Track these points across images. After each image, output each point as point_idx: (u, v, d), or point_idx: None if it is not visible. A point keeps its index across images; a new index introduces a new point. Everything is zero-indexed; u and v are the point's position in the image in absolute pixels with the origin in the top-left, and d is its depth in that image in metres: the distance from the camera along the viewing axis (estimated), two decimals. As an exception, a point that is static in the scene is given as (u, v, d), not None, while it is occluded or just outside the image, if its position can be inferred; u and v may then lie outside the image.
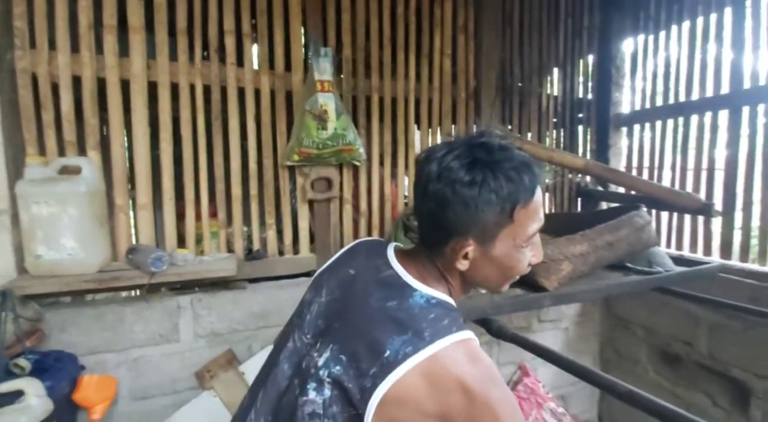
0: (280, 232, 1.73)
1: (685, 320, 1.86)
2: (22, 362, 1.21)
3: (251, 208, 1.66)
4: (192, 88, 1.54)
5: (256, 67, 1.66)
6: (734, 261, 1.72)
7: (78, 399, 1.31)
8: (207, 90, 1.56)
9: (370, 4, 1.79)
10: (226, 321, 1.58)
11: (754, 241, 1.68)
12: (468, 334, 0.61)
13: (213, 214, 1.62)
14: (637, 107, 2.25)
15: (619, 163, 2.33)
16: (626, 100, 2.33)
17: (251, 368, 1.56)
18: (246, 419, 0.67)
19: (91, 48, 1.40)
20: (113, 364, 1.44)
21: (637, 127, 2.24)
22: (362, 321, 0.62)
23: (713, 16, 1.85)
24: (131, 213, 1.57)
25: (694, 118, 1.93)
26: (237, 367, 1.56)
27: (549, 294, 1.15)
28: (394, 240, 1.67)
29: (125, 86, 1.46)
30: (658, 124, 2.10)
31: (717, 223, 1.80)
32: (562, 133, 2.32)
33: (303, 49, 1.68)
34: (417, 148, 1.99)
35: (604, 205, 2.21)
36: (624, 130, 2.32)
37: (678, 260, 1.65)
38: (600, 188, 2.25)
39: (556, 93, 2.30)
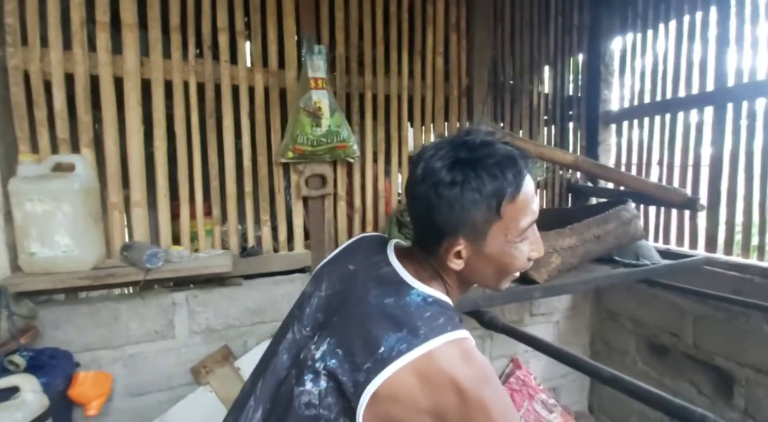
0: (274, 229, 1.74)
1: (671, 312, 1.91)
2: (17, 359, 1.21)
3: (246, 205, 1.67)
4: (186, 85, 1.54)
5: (249, 64, 1.67)
6: (719, 255, 1.77)
7: (74, 395, 1.31)
8: (201, 87, 1.57)
9: (363, 2, 1.80)
10: (222, 317, 1.59)
11: (739, 237, 1.73)
12: (463, 334, 0.61)
13: (207, 213, 1.63)
14: (626, 104, 2.30)
15: (608, 159, 2.37)
16: (615, 97, 2.37)
17: (247, 363, 1.57)
18: (246, 406, 0.68)
19: (83, 45, 1.40)
20: (108, 361, 1.45)
21: (626, 124, 2.29)
22: (360, 317, 0.63)
23: (699, 15, 1.90)
24: (125, 211, 1.57)
25: (681, 115, 1.98)
26: (232, 363, 1.58)
27: (539, 286, 1.18)
28: (387, 237, 1.69)
29: (118, 83, 1.45)
30: (646, 120, 2.15)
31: (702, 218, 1.85)
32: (553, 130, 2.36)
33: (296, 47, 1.69)
34: (410, 145, 2.01)
35: (594, 201, 2.25)
36: (613, 127, 2.36)
37: (665, 253, 1.70)
38: (590, 184, 2.29)
39: (546, 90, 2.33)
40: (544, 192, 2.33)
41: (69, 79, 1.40)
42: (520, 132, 2.24)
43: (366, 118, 1.84)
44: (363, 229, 1.88)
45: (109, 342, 1.45)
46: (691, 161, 1.93)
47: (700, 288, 1.49)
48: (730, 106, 1.76)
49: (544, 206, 2.32)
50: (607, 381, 0.72)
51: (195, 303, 1.56)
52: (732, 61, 1.76)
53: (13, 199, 1.26)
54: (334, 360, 0.61)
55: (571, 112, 2.39)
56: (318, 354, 0.63)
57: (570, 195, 2.35)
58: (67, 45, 1.39)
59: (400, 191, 2.09)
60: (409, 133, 2.00)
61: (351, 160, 1.78)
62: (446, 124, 2.04)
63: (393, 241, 0.75)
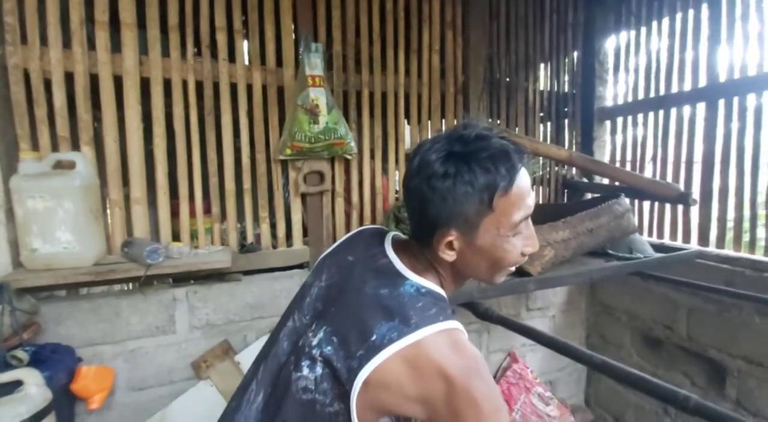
0: (273, 225, 1.77)
1: (665, 305, 1.94)
2: (20, 354, 1.23)
3: (245, 203, 1.69)
4: (184, 83, 1.56)
5: (247, 62, 1.69)
6: (711, 248, 1.80)
7: (76, 389, 1.33)
8: (199, 86, 1.58)
9: (360, 0, 1.82)
10: (222, 312, 1.61)
11: (731, 235, 1.76)
12: (455, 325, 0.62)
13: (207, 210, 1.65)
14: (621, 101, 2.33)
15: (603, 155, 2.40)
16: (610, 94, 2.40)
17: (247, 358, 1.59)
18: (248, 390, 0.71)
19: (83, 44, 1.41)
20: (110, 356, 1.47)
21: (620, 120, 2.31)
22: (355, 307, 0.65)
23: (691, 12, 1.92)
24: (125, 208, 1.58)
25: (674, 111, 2.00)
26: (233, 357, 1.60)
27: (533, 279, 1.21)
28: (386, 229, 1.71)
29: (118, 82, 1.47)
30: (641, 117, 2.17)
31: (695, 212, 1.88)
32: (549, 127, 2.38)
33: (294, 45, 1.71)
34: (407, 142, 2.03)
35: (589, 197, 2.28)
36: (608, 123, 2.39)
37: (659, 247, 1.72)
38: (585, 180, 2.32)
39: (542, 87, 2.36)
40: (540, 188, 2.35)
41: (69, 78, 1.42)
42: (516, 129, 2.26)
43: (363, 116, 1.86)
44: (361, 225, 1.90)
45: (111, 338, 1.47)
46: (684, 157, 1.95)
47: (692, 280, 1.52)
48: (721, 101, 1.78)
49: (540, 202, 2.34)
50: (598, 367, 0.74)
51: (195, 298, 1.57)
52: (723, 57, 1.79)
53: (15, 196, 1.28)
54: (329, 348, 0.63)
55: (566, 109, 2.41)
56: (315, 342, 0.65)
57: (565, 191, 2.38)
58: (66, 44, 1.40)
59: (397, 188, 2.11)
60: (406, 130, 2.02)
61: (348, 157, 1.80)
62: (443, 120, 2.06)
63: (391, 234, 0.77)
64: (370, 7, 1.84)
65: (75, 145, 1.45)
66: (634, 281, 2.04)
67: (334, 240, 1.74)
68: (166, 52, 1.53)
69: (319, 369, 0.63)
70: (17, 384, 1.17)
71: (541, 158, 2.20)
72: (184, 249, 1.51)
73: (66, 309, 1.42)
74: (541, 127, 2.38)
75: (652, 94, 2.12)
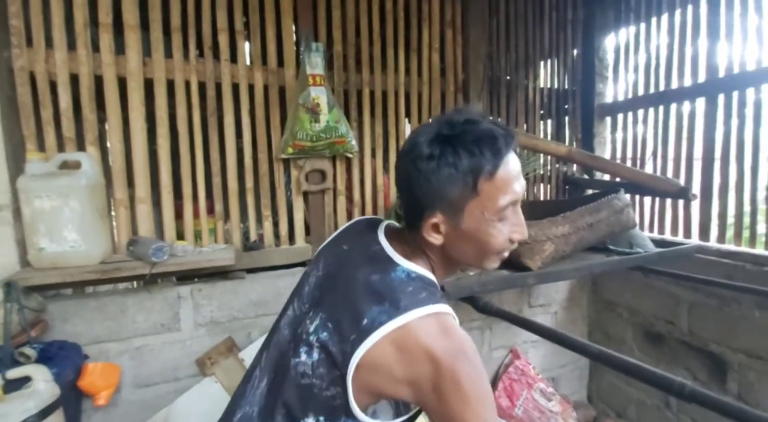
0: (276, 224, 1.78)
1: (667, 300, 1.94)
2: (28, 351, 1.25)
3: (247, 202, 1.71)
4: (187, 84, 1.58)
5: (249, 63, 1.71)
6: (712, 243, 1.81)
7: (83, 385, 1.35)
8: (202, 86, 1.60)
9: (360, 0, 1.84)
10: (226, 309, 1.63)
11: (731, 232, 1.76)
12: (444, 308, 0.63)
13: (210, 211, 1.67)
14: (621, 97, 2.33)
15: (604, 151, 2.40)
16: (610, 90, 2.40)
17: (250, 355, 1.61)
18: (252, 376, 0.74)
19: (87, 46, 1.43)
20: (116, 353, 1.49)
21: (620, 117, 2.32)
22: (349, 293, 0.67)
23: (690, 8, 1.93)
24: (130, 208, 1.60)
25: (674, 107, 2.01)
26: (237, 354, 1.62)
27: (533, 273, 1.22)
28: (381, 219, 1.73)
29: (122, 83, 1.49)
30: (641, 113, 2.18)
31: (696, 208, 1.88)
32: (549, 124, 2.39)
33: (295, 45, 1.73)
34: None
35: (590, 193, 2.29)
36: (608, 119, 2.40)
37: (659, 242, 1.73)
38: (585, 176, 2.33)
39: (542, 85, 2.36)
40: (541, 185, 2.36)
41: (74, 80, 1.44)
42: (516, 126, 2.27)
43: (364, 115, 1.88)
44: (362, 223, 1.91)
45: (117, 335, 1.49)
46: (684, 153, 1.96)
47: (694, 274, 1.52)
48: (721, 96, 1.79)
49: (541, 199, 2.35)
50: (594, 357, 0.76)
51: (200, 296, 1.59)
52: (723, 52, 1.79)
53: (22, 196, 1.30)
54: (325, 333, 0.65)
55: (566, 106, 2.42)
56: (311, 328, 0.67)
57: (566, 187, 2.38)
58: (71, 46, 1.42)
59: (398, 186, 2.13)
60: (407, 128, 2.03)
61: (350, 155, 1.81)
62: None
63: (385, 222, 0.78)
64: (370, 7, 1.86)
65: (80, 146, 1.47)
66: (635, 277, 2.05)
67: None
68: (169, 54, 1.55)
69: (315, 355, 0.65)
70: (26, 380, 1.19)
71: (541, 155, 2.21)
72: (189, 248, 1.53)
73: (72, 307, 1.44)
74: (542, 124, 2.39)
75: (652, 90, 2.12)
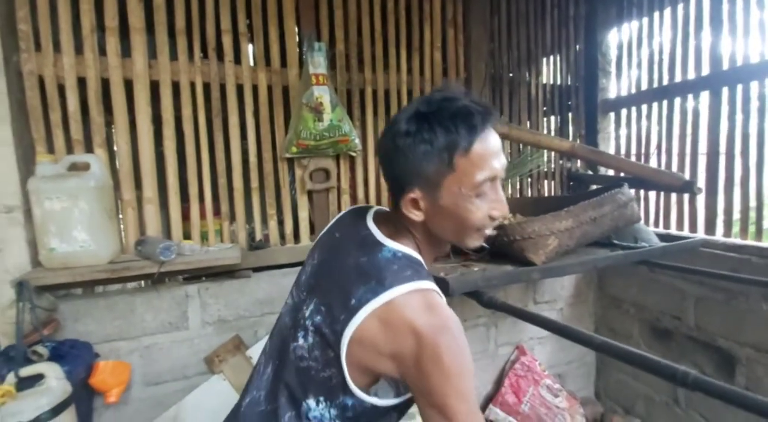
0: (281, 223, 1.80)
1: (673, 295, 1.93)
2: (40, 349, 1.28)
3: (253, 201, 1.73)
4: (192, 86, 1.60)
5: (252, 64, 1.72)
6: (718, 237, 1.80)
7: (94, 383, 1.37)
8: (207, 87, 1.62)
9: (362, 0, 1.85)
10: (233, 308, 1.65)
11: (737, 228, 1.75)
12: (429, 285, 0.65)
13: (216, 212, 1.69)
14: (624, 93, 2.33)
15: (608, 147, 2.40)
16: (613, 86, 2.40)
17: (258, 352, 1.62)
18: (259, 364, 0.78)
19: (94, 49, 1.46)
20: (126, 352, 1.51)
21: (624, 112, 2.31)
22: (340, 277, 0.69)
23: (693, 1, 1.92)
24: (138, 208, 1.63)
25: (678, 101, 2.00)
26: (244, 352, 1.63)
27: (537, 268, 1.22)
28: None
29: (128, 86, 1.52)
30: (644, 107, 2.17)
31: (702, 203, 1.88)
32: (552, 120, 2.39)
33: (297, 46, 1.75)
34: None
35: (593, 188, 2.28)
36: (612, 115, 2.39)
37: (665, 237, 1.72)
38: (590, 172, 2.32)
39: (545, 81, 2.36)
40: (545, 181, 2.36)
41: (81, 83, 1.46)
42: (520, 123, 2.27)
43: (367, 113, 1.89)
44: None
45: (126, 334, 1.51)
46: (689, 147, 1.95)
47: (700, 267, 1.52)
48: (725, 90, 1.78)
49: (545, 195, 2.35)
50: (597, 347, 0.76)
51: (207, 295, 1.61)
52: (726, 45, 1.78)
53: (33, 198, 1.32)
54: (318, 317, 0.68)
55: (569, 102, 2.42)
56: (307, 313, 0.70)
57: (570, 183, 2.38)
58: (78, 50, 1.45)
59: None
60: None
61: (353, 154, 1.82)
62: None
63: (374, 208, 0.81)
64: (372, 6, 1.87)
65: (88, 148, 1.50)
66: (641, 272, 2.04)
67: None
68: (174, 56, 1.57)
69: (310, 338, 0.68)
70: (39, 378, 1.21)
71: (545, 151, 2.21)
72: (196, 247, 1.55)
73: (83, 306, 1.46)
74: (545, 120, 2.39)
75: (655, 85, 2.12)
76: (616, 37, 2.36)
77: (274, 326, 0.81)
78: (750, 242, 1.67)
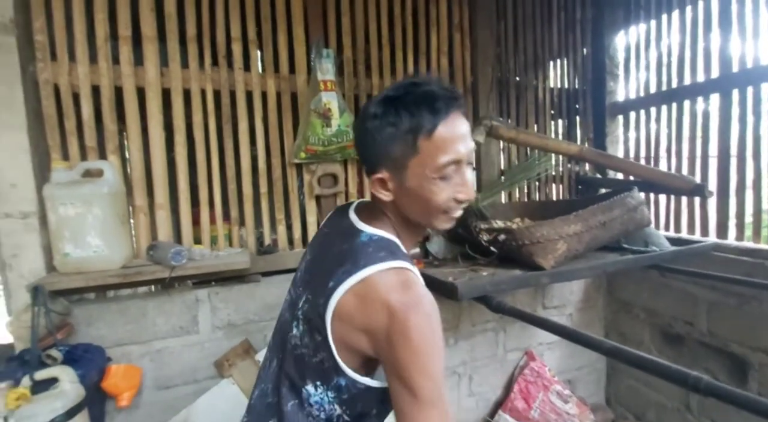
0: (289, 227, 1.81)
1: (685, 300, 1.91)
2: (54, 353, 1.30)
3: (261, 206, 1.74)
4: (203, 93, 1.62)
5: (261, 70, 1.75)
6: (730, 240, 1.77)
7: (107, 386, 1.39)
8: (217, 94, 1.65)
9: (369, 7, 1.87)
10: (242, 312, 1.66)
11: (749, 232, 1.73)
12: (404, 264, 0.67)
13: (226, 217, 1.71)
14: (632, 96, 2.31)
15: (616, 150, 2.38)
16: (621, 89, 2.38)
17: (267, 356, 1.64)
18: (265, 359, 0.83)
19: (108, 58, 1.49)
20: (137, 355, 1.53)
21: (633, 115, 2.30)
22: (324, 267, 0.72)
23: (701, 4, 1.91)
24: (149, 214, 1.65)
25: (687, 104, 1.98)
26: (254, 356, 1.64)
27: (546, 273, 1.22)
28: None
29: (141, 93, 1.54)
30: (653, 110, 2.16)
31: (713, 206, 1.85)
32: (560, 124, 2.39)
33: (306, 52, 1.77)
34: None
35: (602, 192, 2.27)
36: (620, 118, 2.38)
37: (676, 241, 1.71)
38: (598, 175, 2.31)
39: (552, 85, 2.36)
40: (553, 185, 2.35)
41: (95, 91, 1.49)
42: (527, 127, 2.27)
43: (374, 118, 1.90)
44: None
45: (138, 338, 1.53)
46: (699, 150, 1.93)
47: (712, 272, 1.50)
48: (735, 92, 1.76)
49: (554, 199, 2.34)
50: (608, 352, 0.76)
51: (217, 299, 1.63)
52: (735, 47, 1.77)
53: (48, 204, 1.35)
54: (307, 306, 0.72)
55: (577, 106, 2.41)
56: (299, 305, 0.75)
57: (579, 187, 2.37)
58: (92, 59, 1.48)
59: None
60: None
61: (361, 159, 1.83)
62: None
63: (357, 200, 0.85)
64: (379, 13, 1.89)
65: (102, 154, 1.52)
66: (651, 277, 2.02)
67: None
68: (185, 64, 1.60)
69: (301, 327, 0.72)
70: (53, 382, 1.23)
71: (552, 155, 2.20)
72: (206, 252, 1.57)
73: (96, 310, 1.48)
74: (553, 124, 2.38)
75: (664, 87, 2.10)
76: (623, 40, 2.35)
77: (277, 322, 0.85)
78: (763, 246, 1.65)
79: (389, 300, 0.62)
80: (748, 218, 1.74)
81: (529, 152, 2.23)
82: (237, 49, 1.67)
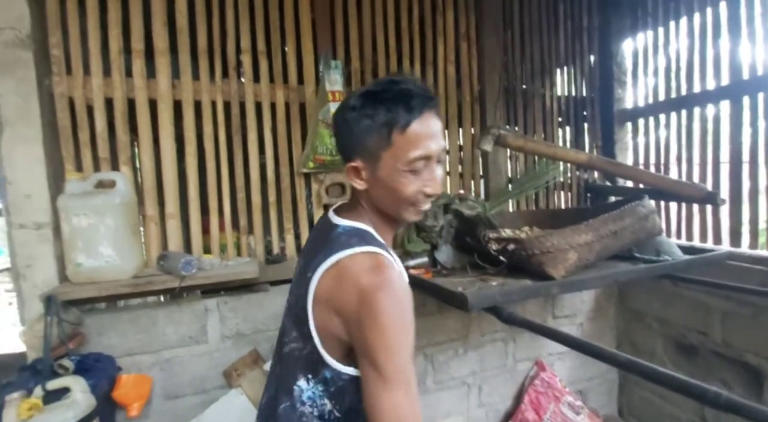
0: (297, 236, 1.82)
1: (698, 310, 1.88)
2: (66, 363, 1.31)
3: (270, 215, 1.76)
4: (213, 104, 1.65)
5: (270, 81, 1.77)
6: (744, 248, 1.75)
7: (117, 396, 1.39)
8: (227, 105, 1.67)
9: (376, 18, 1.89)
10: (251, 322, 1.66)
11: (764, 238, 1.70)
12: (376, 250, 0.71)
13: (235, 225, 1.72)
14: (641, 103, 2.30)
15: (625, 157, 2.37)
16: (629, 96, 2.37)
17: (275, 366, 1.63)
18: (271, 366, 0.87)
19: (121, 71, 1.52)
20: (147, 365, 1.53)
21: (641, 122, 2.28)
22: (307, 265, 0.76)
23: (709, 11, 1.90)
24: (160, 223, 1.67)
25: (697, 111, 1.97)
26: (262, 366, 1.64)
27: (557, 283, 1.20)
28: (408, 241, 1.74)
29: (153, 105, 1.57)
30: (662, 117, 2.14)
31: (726, 214, 1.83)
32: (568, 131, 2.38)
33: (314, 63, 1.79)
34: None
35: (612, 200, 2.25)
36: (629, 125, 2.36)
37: (688, 249, 1.68)
38: (607, 183, 2.29)
39: (559, 92, 2.36)
40: (562, 192, 2.34)
41: (108, 103, 1.52)
42: (534, 135, 2.27)
43: (382, 128, 1.91)
44: (383, 235, 1.93)
45: (148, 347, 1.53)
46: (710, 157, 1.91)
47: (725, 282, 1.47)
48: (746, 99, 1.75)
49: (562, 207, 2.32)
50: (623, 365, 0.75)
51: (226, 309, 1.63)
52: (746, 54, 1.76)
53: (62, 215, 1.37)
54: (294, 299, 0.78)
55: (585, 113, 2.40)
56: (290, 305, 0.80)
57: (588, 195, 2.35)
58: (106, 72, 1.51)
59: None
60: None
61: (369, 168, 1.84)
62: (460, 129, 2.10)
63: (339, 203, 0.88)
64: (386, 24, 1.91)
65: (114, 165, 1.55)
66: (664, 286, 1.99)
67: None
68: (196, 76, 1.62)
69: (290, 322, 0.77)
70: (64, 391, 1.24)
71: (561, 162, 2.19)
72: (215, 261, 1.58)
73: (107, 320, 1.49)
74: (560, 131, 2.38)
75: (673, 95, 2.09)
76: (631, 47, 2.34)
77: (279, 329, 0.88)
78: (778, 254, 1.62)
79: (360, 282, 0.65)
80: (762, 224, 1.71)
81: (537, 160, 2.23)
82: (247, 60, 1.69)
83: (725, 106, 1.85)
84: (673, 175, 2.06)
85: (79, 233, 1.37)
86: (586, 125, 2.41)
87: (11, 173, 1.37)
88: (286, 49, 1.76)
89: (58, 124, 1.47)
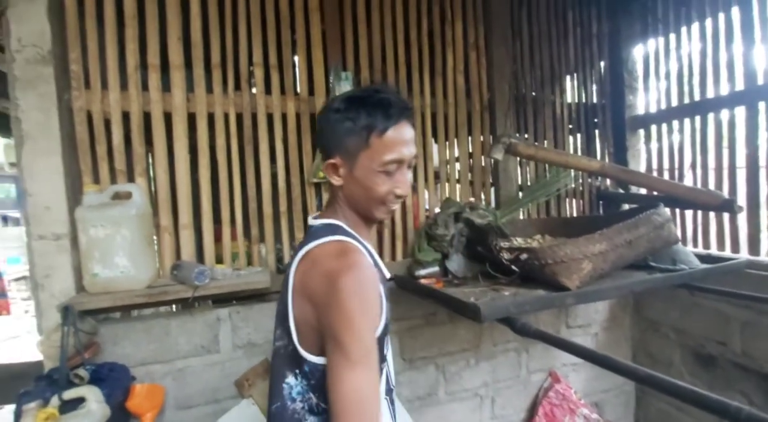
0: (309, 246, 1.83)
1: (716, 320, 1.83)
2: (82, 372, 1.32)
3: (281, 224, 1.77)
4: (226, 116, 1.68)
5: (282, 93, 1.80)
6: (763, 257, 1.70)
7: (131, 406, 1.40)
8: (239, 117, 1.70)
9: (385, 30, 1.91)
10: (262, 331, 1.67)
11: None
12: (345, 238, 0.76)
13: (246, 235, 1.73)
14: (653, 109, 2.28)
15: (638, 164, 2.34)
16: (641, 102, 2.35)
17: (287, 376, 1.63)
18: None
19: (137, 86, 1.56)
20: (160, 375, 1.54)
21: (654, 129, 2.26)
22: (289, 268, 0.80)
23: (721, 16, 1.89)
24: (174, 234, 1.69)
25: (711, 117, 1.94)
26: (274, 376, 1.64)
27: (571, 293, 1.19)
28: (418, 250, 1.74)
29: (167, 118, 1.60)
30: (675, 123, 2.12)
31: (743, 221, 1.79)
32: (579, 138, 2.36)
33: (324, 75, 1.81)
34: (435, 160, 2.07)
35: (626, 208, 2.22)
36: (641, 132, 2.34)
37: (705, 258, 1.65)
38: (620, 191, 2.26)
39: (569, 100, 2.35)
40: (573, 200, 2.31)
41: (125, 116, 1.56)
42: (545, 142, 2.25)
43: (392, 137, 1.92)
44: (392, 243, 1.93)
45: (161, 357, 1.55)
46: (726, 163, 1.88)
47: (744, 291, 1.44)
48: (762, 104, 1.72)
49: (574, 214, 2.30)
50: (642, 380, 0.73)
51: (237, 318, 1.64)
52: (760, 59, 1.73)
53: (80, 226, 1.40)
54: (280, 301, 0.80)
55: (596, 120, 2.38)
56: (277, 307, 0.82)
57: (601, 202, 2.32)
58: (123, 86, 1.55)
59: (427, 206, 2.14)
60: (434, 148, 2.06)
61: (379, 178, 1.85)
62: (470, 138, 2.10)
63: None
64: (395, 35, 1.93)
65: (130, 177, 1.58)
66: (681, 295, 1.95)
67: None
68: (209, 89, 1.65)
69: (276, 323, 0.81)
70: (80, 401, 1.25)
71: (572, 170, 2.18)
72: (227, 271, 1.59)
73: (122, 330, 1.51)
74: (571, 139, 2.36)
75: (686, 100, 2.06)
76: (641, 53, 2.33)
77: None
78: (800, 263, 1.58)
79: (326, 266, 0.70)
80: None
81: (547, 167, 2.21)
82: (259, 73, 1.72)
83: (740, 111, 1.82)
84: (688, 181, 2.03)
85: (96, 244, 1.40)
86: (597, 132, 2.39)
87: (31, 185, 1.41)
88: (296, 58, 1.78)
89: (76, 137, 1.51)
